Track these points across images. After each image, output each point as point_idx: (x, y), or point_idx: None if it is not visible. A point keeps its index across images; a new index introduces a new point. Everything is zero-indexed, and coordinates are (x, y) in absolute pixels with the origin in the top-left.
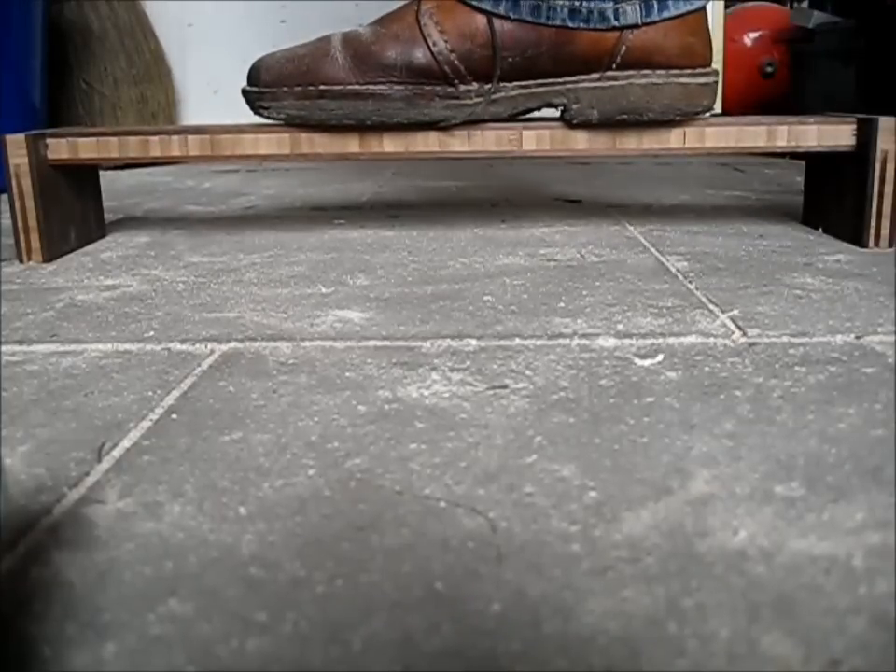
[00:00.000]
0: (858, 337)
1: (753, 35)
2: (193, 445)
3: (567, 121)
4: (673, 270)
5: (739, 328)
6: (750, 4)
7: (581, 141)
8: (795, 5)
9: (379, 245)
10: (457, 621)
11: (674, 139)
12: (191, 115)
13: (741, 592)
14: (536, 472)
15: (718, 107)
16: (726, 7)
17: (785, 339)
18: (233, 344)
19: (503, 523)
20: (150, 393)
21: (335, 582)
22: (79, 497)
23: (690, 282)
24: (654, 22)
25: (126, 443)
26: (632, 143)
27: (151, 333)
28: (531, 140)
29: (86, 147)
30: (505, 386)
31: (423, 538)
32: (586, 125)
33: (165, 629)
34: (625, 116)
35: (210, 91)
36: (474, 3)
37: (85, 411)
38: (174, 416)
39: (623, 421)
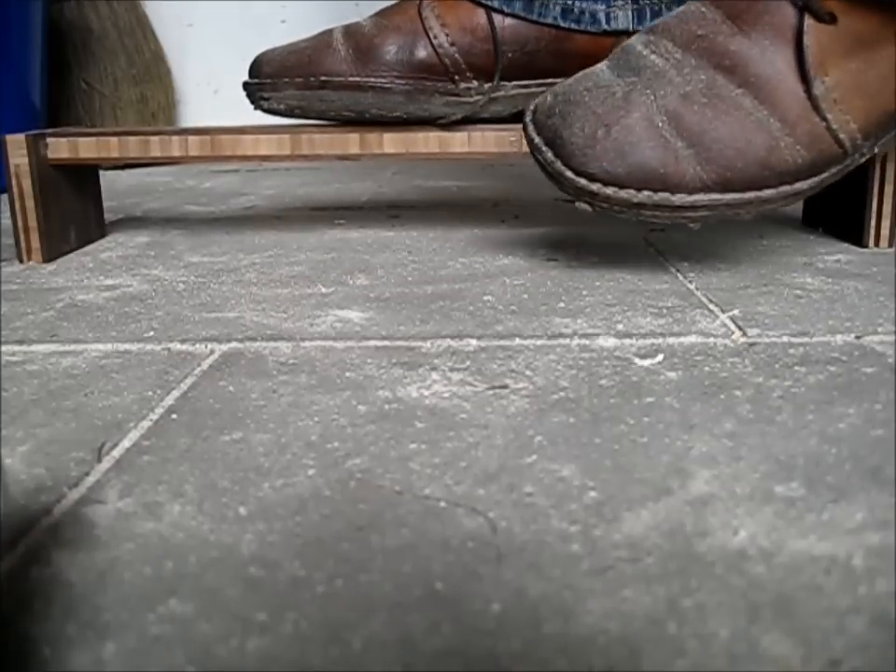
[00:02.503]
0: (858, 337)
1: None
2: (193, 445)
3: None
4: (673, 270)
5: (739, 327)
6: None
7: None
8: None
9: (379, 245)
10: (457, 621)
11: None
12: (191, 115)
13: (741, 592)
14: (536, 472)
15: None
16: None
17: (785, 339)
18: (233, 344)
19: (503, 523)
20: (150, 393)
21: (335, 582)
22: (79, 497)
23: (690, 282)
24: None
25: (126, 443)
26: None
27: (151, 333)
28: None
29: (86, 147)
30: (505, 386)
31: (423, 538)
32: None
33: (165, 629)
34: None
35: (210, 90)
36: None
37: (85, 411)
38: (174, 416)
39: (622, 421)
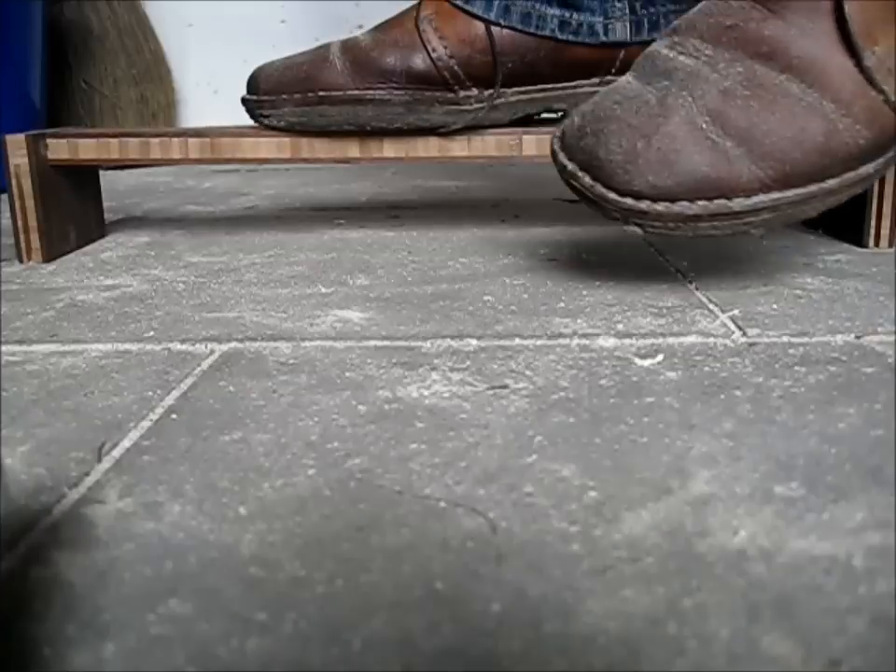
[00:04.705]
0: (858, 337)
1: None
2: (193, 445)
3: None
4: (673, 269)
5: (739, 328)
6: None
7: None
8: None
9: (379, 245)
10: (457, 621)
11: None
12: (191, 115)
13: (741, 592)
14: (536, 472)
15: None
16: None
17: (785, 339)
18: (233, 344)
19: (503, 523)
20: (150, 393)
21: (335, 582)
22: (79, 497)
23: (690, 282)
24: (644, 42)
25: (126, 443)
26: None
27: (151, 333)
28: (531, 145)
29: (86, 148)
30: (505, 386)
31: (423, 538)
32: None
33: (165, 629)
34: None
35: (210, 91)
36: (467, 8)
37: (85, 411)
38: (174, 416)
39: (623, 421)
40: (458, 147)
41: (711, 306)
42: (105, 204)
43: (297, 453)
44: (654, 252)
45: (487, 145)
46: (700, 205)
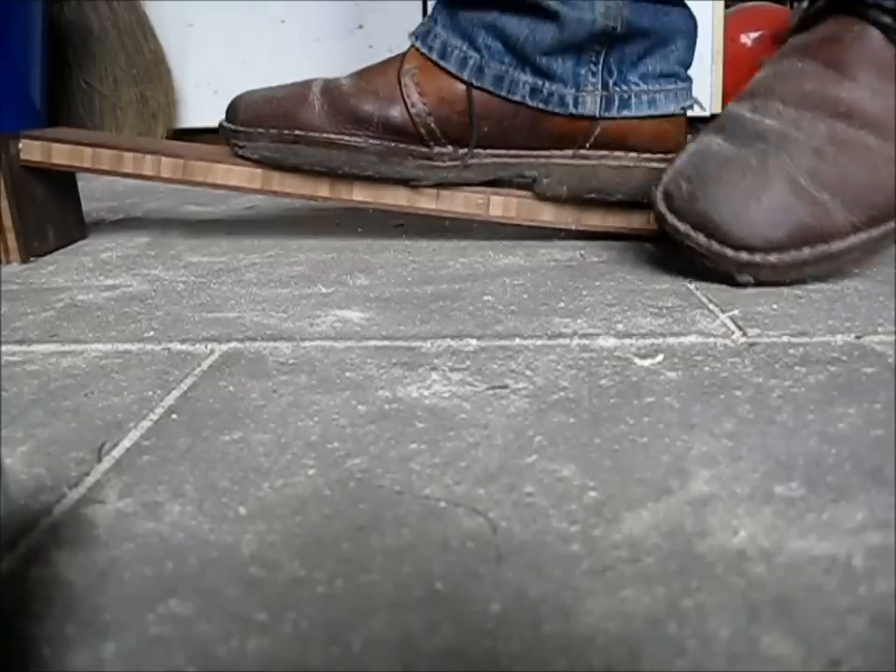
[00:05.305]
0: (858, 337)
1: (753, 35)
2: (193, 445)
3: (537, 193)
4: (673, 269)
5: (739, 328)
6: (750, 4)
7: (547, 213)
8: (795, 5)
9: (379, 245)
10: (457, 621)
11: (637, 220)
12: (191, 115)
13: (741, 592)
14: (536, 472)
15: (717, 108)
16: (726, 6)
17: (785, 339)
18: (233, 344)
19: (503, 523)
20: (150, 393)
21: (335, 582)
22: (79, 497)
23: (690, 282)
24: (613, 118)
25: (126, 443)
26: (596, 219)
27: (151, 333)
28: (499, 206)
29: (59, 153)
30: (505, 386)
31: (423, 538)
32: (555, 199)
33: (165, 629)
34: (594, 195)
35: (210, 91)
36: (443, 65)
37: (85, 411)
38: (174, 416)
39: (623, 421)
40: (426, 200)
41: (711, 306)
42: (105, 204)
43: (297, 453)
44: (654, 252)
45: (455, 200)
46: (806, 252)
